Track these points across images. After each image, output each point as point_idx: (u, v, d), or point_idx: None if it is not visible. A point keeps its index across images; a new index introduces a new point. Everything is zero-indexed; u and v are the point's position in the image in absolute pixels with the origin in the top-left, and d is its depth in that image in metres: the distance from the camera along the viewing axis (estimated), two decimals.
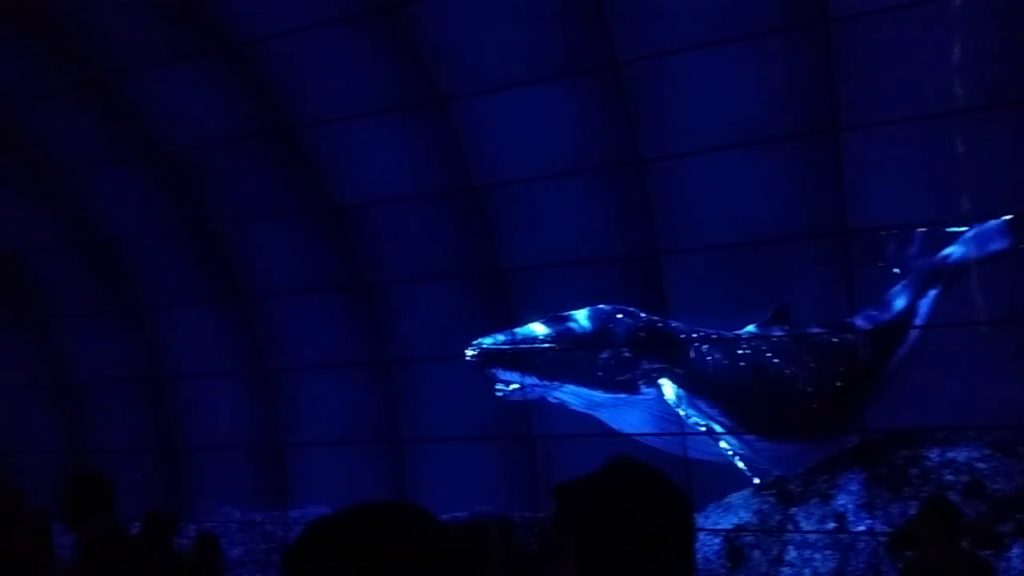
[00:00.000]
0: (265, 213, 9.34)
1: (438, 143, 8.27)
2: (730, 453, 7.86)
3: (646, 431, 8.31)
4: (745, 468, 7.82)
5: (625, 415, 8.34)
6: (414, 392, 9.06)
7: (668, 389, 8.06)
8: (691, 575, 1.60)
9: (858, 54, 6.98)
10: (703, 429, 7.91)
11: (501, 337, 8.01)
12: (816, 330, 8.40)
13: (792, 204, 7.57)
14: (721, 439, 7.91)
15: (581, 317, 8.17)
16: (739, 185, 7.68)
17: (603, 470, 1.71)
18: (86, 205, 10.21)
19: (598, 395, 8.15)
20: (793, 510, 7.63)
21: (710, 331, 8.30)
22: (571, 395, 8.18)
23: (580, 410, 8.34)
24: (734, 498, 7.96)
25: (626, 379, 8.11)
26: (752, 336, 8.33)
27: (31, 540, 5.24)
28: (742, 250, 7.84)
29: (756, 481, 7.88)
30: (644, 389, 8.14)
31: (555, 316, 8.17)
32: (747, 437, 8.06)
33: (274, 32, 7.98)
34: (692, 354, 8.24)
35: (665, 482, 1.64)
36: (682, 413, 7.95)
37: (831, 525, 7.41)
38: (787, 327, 8.26)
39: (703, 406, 8.05)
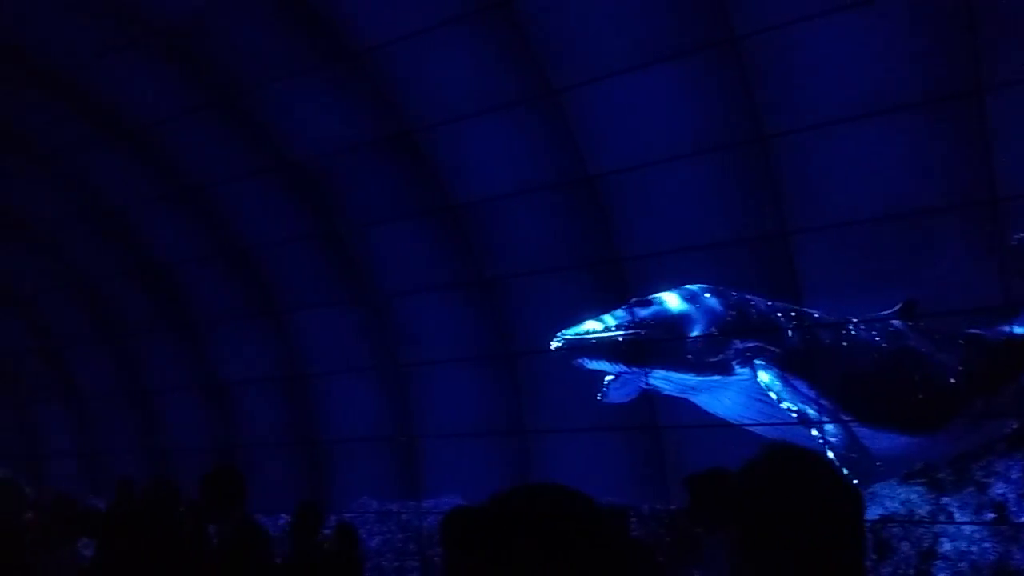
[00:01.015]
0: (389, 215, 9.49)
1: (553, 135, 8.12)
2: (820, 441, 7.26)
3: (743, 414, 7.81)
4: (834, 458, 7.11)
5: (720, 398, 7.89)
6: (538, 383, 8.96)
7: (763, 370, 7.56)
8: (863, 569, 1.47)
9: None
10: (794, 414, 7.37)
11: (587, 325, 7.78)
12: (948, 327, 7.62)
13: (933, 175, 6.95)
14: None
15: (668, 299, 7.80)
16: (872, 158, 7.13)
17: (763, 459, 1.56)
18: (227, 216, 10.71)
19: (691, 378, 7.75)
20: (945, 500, 6.98)
21: (825, 313, 7.68)
22: (662, 380, 7.83)
23: (675, 395, 7.98)
24: (879, 487, 7.39)
25: (718, 360, 7.66)
26: (865, 320, 7.67)
27: (188, 529, 5.47)
28: (878, 226, 7.26)
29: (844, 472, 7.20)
30: (738, 370, 7.65)
31: (641, 300, 7.85)
32: (854, 425, 7.43)
33: (388, 39, 8.05)
34: (790, 332, 7.70)
35: (832, 470, 1.52)
36: (774, 396, 7.41)
37: (989, 516, 6.75)
38: (912, 322, 7.58)
39: (801, 387, 7.48)
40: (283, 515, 9.02)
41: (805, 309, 7.72)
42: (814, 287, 7.53)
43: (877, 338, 7.68)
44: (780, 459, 1.56)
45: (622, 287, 8.20)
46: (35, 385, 14.59)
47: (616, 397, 8.24)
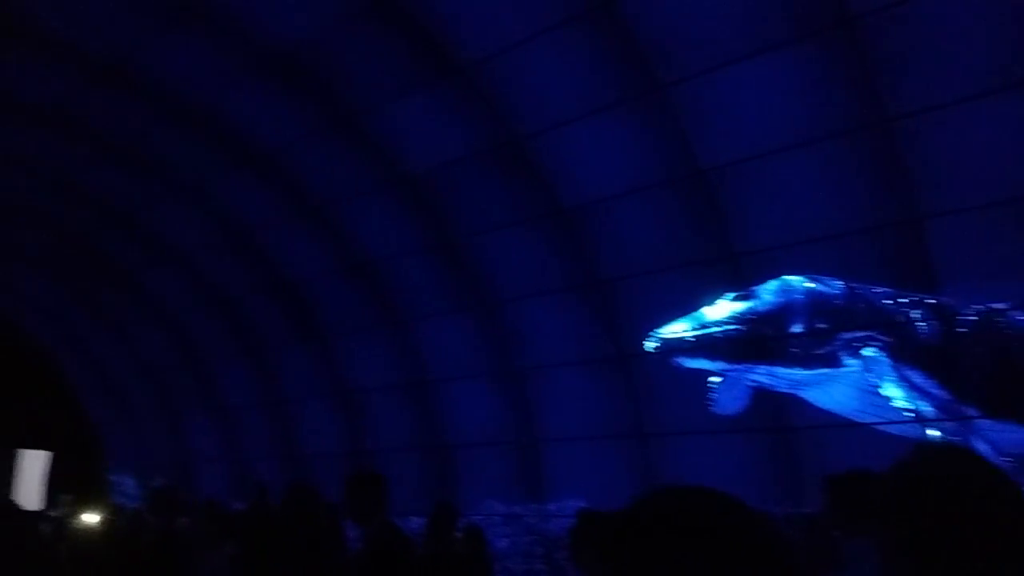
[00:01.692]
0: (501, 222, 9.54)
1: (661, 131, 7.93)
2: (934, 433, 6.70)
3: (855, 408, 7.29)
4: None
5: (831, 392, 7.41)
6: (656, 384, 8.77)
7: (873, 359, 7.02)
8: None
9: None
10: (905, 406, 6.79)
11: (683, 323, 7.46)
12: None
13: None
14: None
15: (766, 292, 7.39)
16: (1007, 136, 6.56)
17: (918, 458, 1.48)
18: (350, 232, 11.08)
19: (798, 373, 7.32)
20: None
21: (951, 300, 7.01)
22: (767, 376, 7.43)
23: (783, 391, 7.56)
24: None
25: (825, 352, 7.21)
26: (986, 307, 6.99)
27: (326, 533, 5.66)
28: (1013, 209, 6.66)
29: None
30: (847, 361, 7.16)
31: (739, 294, 7.48)
32: (976, 417, 6.79)
33: (492, 51, 8.09)
34: (903, 320, 7.12)
35: (992, 468, 1.42)
36: (886, 389, 6.86)
37: None
38: None
39: (915, 378, 6.92)
40: (412, 518, 9.22)
41: (927, 297, 7.19)
42: (944, 274, 7.01)
43: (1000, 325, 7.06)
44: (936, 458, 1.49)
45: (738, 283, 7.91)
46: (184, 397, 15.58)
47: (727, 404, 7.91)
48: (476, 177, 9.31)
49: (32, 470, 20.77)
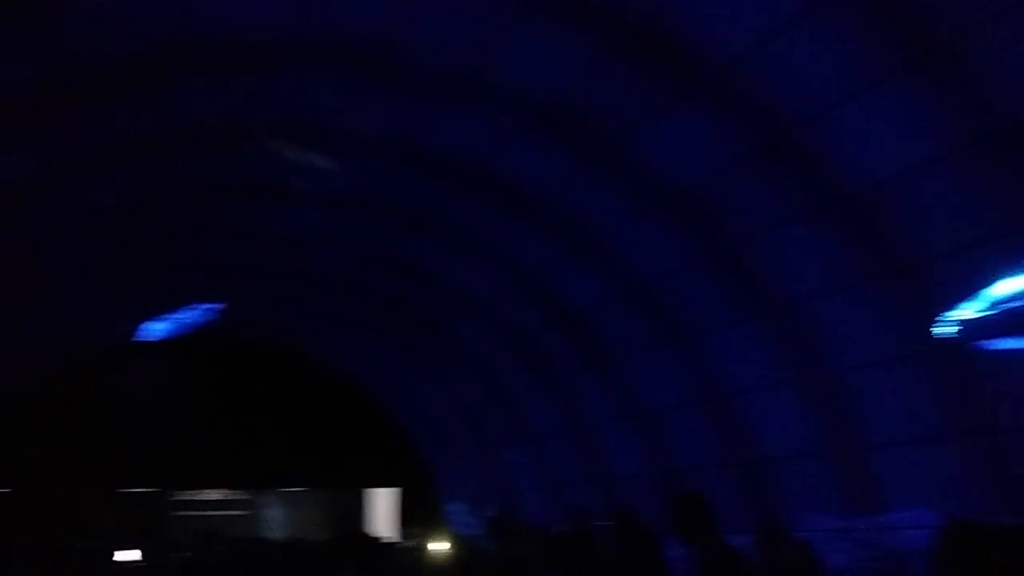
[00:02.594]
0: (777, 221, 8.97)
1: (949, 92, 6.91)
2: None
3: None
4: None
5: None
6: (995, 373, 7.53)
7: None
8: None
9: None
10: None
11: (983, 302, 6.24)
12: None
13: None
14: None
15: None
16: None
17: None
18: (624, 256, 11.18)
19: None
20: None
21: None
22: None
23: None
24: None
25: None
26: None
27: (649, 554, 5.63)
28: None
29: None
30: None
31: None
32: None
33: (750, 48, 7.70)
34: None
35: None
36: None
37: None
38: None
39: None
40: (733, 536, 8.86)
41: None
42: None
43: None
44: None
45: None
46: (498, 430, 16.67)
47: None
48: (746, 178, 8.87)
49: (382, 505, 23.51)
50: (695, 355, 11.00)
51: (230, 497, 22.56)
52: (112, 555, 8.00)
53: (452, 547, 10.94)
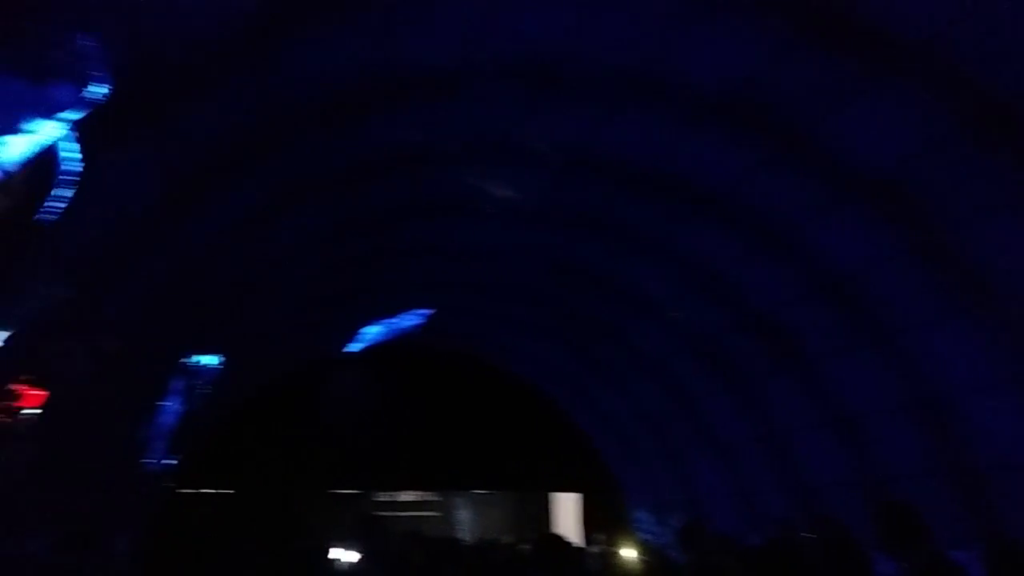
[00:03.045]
0: (994, 208, 8.12)
1: None
2: None
3: None
4: None
5: None
6: None
7: None
8: None
9: None
10: None
11: None
12: None
13: None
14: None
15: None
16: None
17: None
18: (815, 250, 10.59)
19: None
20: None
21: None
22: None
23: None
24: None
25: None
26: None
27: (858, 567, 5.28)
28: None
29: None
30: None
31: None
32: None
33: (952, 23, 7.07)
34: None
35: None
36: None
37: None
38: None
39: None
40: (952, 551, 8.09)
41: None
42: None
43: None
44: None
45: None
46: (682, 436, 16.31)
47: None
48: (953, 160, 8.11)
49: (566, 511, 23.72)
50: (899, 355, 10.18)
51: (424, 498, 23.68)
52: (327, 554, 8.65)
53: (640, 554, 10.85)
